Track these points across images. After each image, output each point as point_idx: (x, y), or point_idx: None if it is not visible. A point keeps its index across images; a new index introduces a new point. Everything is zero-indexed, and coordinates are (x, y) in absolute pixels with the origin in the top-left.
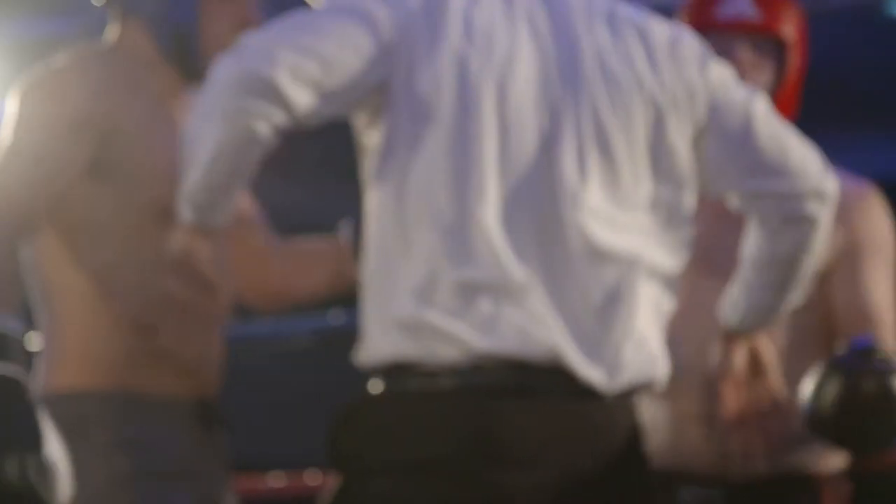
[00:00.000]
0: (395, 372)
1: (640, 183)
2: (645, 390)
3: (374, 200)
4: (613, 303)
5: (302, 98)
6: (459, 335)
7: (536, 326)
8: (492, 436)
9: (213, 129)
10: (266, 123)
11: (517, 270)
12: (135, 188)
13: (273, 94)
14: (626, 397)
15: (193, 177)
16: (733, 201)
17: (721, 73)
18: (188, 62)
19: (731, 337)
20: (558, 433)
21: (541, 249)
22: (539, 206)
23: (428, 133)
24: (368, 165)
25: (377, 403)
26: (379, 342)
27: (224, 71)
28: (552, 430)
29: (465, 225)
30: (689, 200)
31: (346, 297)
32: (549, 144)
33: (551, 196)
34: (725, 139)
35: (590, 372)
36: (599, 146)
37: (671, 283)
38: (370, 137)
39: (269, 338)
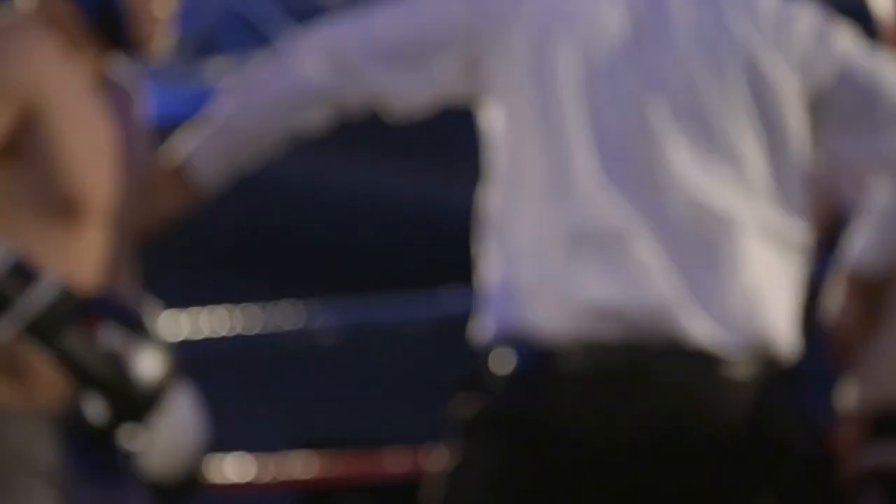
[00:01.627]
0: (513, 340)
1: (740, 141)
2: (766, 359)
3: (488, 170)
4: (717, 257)
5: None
6: (572, 292)
7: (645, 278)
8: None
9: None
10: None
11: (622, 222)
12: (48, 178)
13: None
14: (745, 365)
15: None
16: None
17: (843, 43)
18: (114, 31)
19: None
20: (665, 404)
21: (642, 203)
22: (636, 161)
23: (522, 98)
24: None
25: (501, 372)
26: (496, 312)
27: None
28: (660, 401)
29: (566, 182)
30: (798, 163)
31: (462, 279)
32: (641, 102)
33: (647, 151)
34: (851, 104)
35: (698, 325)
36: (692, 105)
37: (795, 247)
38: (482, 116)
39: (388, 322)
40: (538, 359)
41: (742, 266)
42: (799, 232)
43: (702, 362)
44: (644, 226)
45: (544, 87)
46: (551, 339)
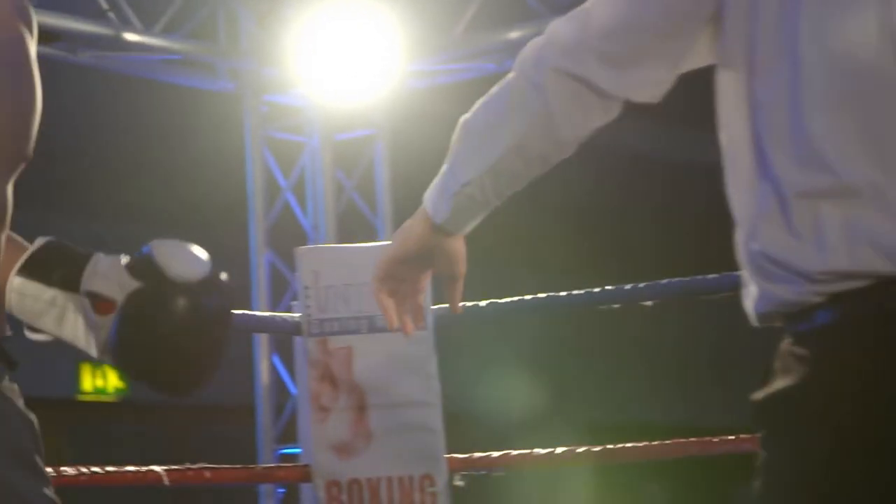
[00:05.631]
0: (783, 312)
1: None
2: None
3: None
4: None
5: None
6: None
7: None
8: None
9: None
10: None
11: (859, 176)
12: None
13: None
14: None
15: (484, 162)
16: None
17: None
18: None
19: None
20: None
21: (875, 156)
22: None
23: (758, 50)
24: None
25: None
26: (758, 285)
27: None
28: None
29: (802, 137)
30: None
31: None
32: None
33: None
34: None
35: None
36: None
37: None
38: (719, 74)
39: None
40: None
41: None
42: None
43: None
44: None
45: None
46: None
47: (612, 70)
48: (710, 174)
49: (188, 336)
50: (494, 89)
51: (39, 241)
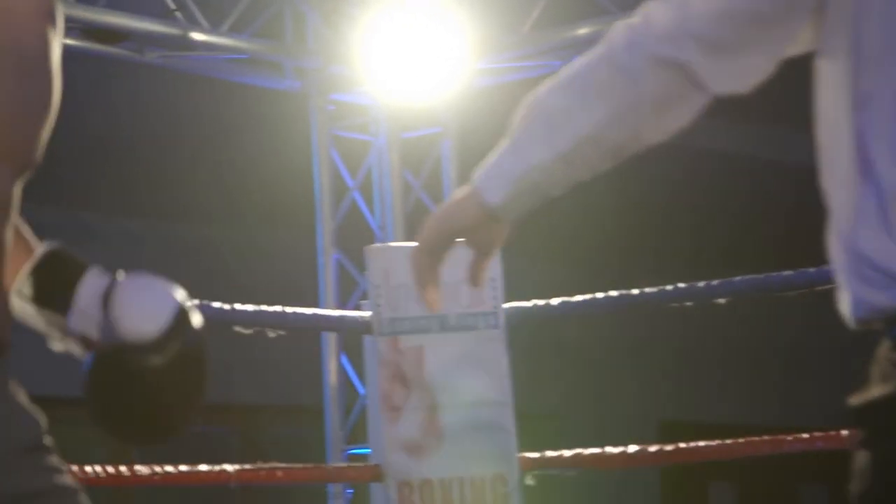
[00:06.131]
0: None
1: None
2: None
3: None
4: None
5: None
6: None
7: None
8: None
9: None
10: None
11: None
12: None
13: None
14: None
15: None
16: None
17: None
18: None
19: None
20: None
21: None
22: None
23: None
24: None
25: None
26: (854, 288)
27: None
28: None
29: None
30: None
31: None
32: None
33: None
34: None
35: None
36: None
37: None
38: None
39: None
40: None
41: None
42: None
43: None
44: None
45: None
46: None
47: (712, 57)
48: (792, 173)
49: (142, 399)
50: (571, 71)
51: (39, 252)
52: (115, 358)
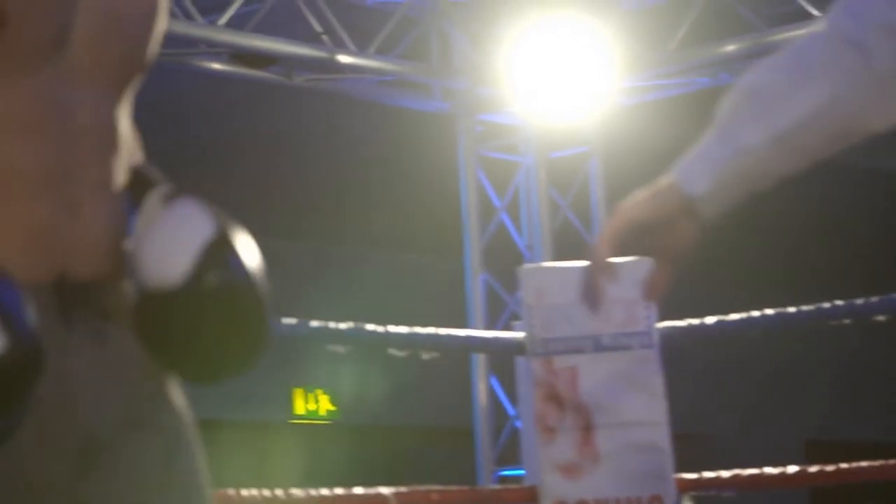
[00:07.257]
0: None
1: None
2: None
3: None
4: None
5: None
6: None
7: None
8: None
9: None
10: None
11: None
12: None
13: None
14: None
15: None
16: None
17: None
18: None
19: None
20: None
21: None
22: None
23: None
24: None
25: None
26: None
27: None
28: None
29: None
30: None
31: None
32: None
33: None
34: None
35: None
36: None
37: None
38: None
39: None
40: None
41: None
42: None
43: None
44: None
45: None
46: None
47: None
48: None
49: (186, 340)
50: (784, 53)
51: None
52: (146, 303)
